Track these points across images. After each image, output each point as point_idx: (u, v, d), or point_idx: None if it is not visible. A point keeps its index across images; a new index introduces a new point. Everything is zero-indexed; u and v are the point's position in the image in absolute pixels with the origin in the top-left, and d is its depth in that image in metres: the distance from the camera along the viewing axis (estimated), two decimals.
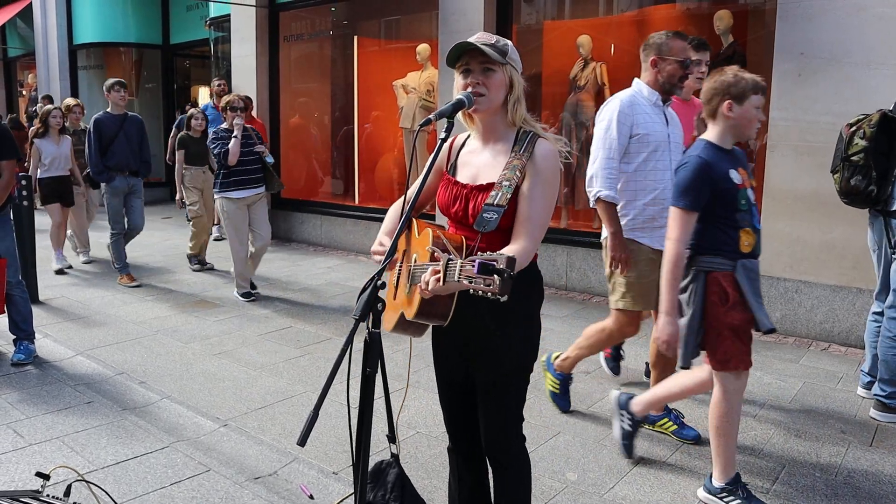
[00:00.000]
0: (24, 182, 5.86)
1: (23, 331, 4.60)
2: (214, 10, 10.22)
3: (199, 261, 7.48)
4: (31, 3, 13.86)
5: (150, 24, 13.07)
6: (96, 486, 2.64)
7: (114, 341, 5.02)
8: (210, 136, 6.27)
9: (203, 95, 12.84)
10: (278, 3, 9.37)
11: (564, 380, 3.90)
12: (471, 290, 1.72)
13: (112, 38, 13.08)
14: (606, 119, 3.46)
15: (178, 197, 7.51)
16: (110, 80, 6.83)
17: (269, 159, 6.37)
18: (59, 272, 7.21)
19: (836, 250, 4.99)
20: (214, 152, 6.05)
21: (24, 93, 16.12)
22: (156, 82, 13.46)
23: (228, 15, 9.68)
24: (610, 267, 3.50)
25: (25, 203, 5.92)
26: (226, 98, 6.29)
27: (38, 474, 2.50)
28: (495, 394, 2.17)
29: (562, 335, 5.22)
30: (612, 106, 3.47)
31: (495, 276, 1.68)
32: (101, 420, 3.72)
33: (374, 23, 9.20)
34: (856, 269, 4.87)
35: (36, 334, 4.73)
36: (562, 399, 3.90)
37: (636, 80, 3.60)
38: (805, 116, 5.07)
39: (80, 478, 2.69)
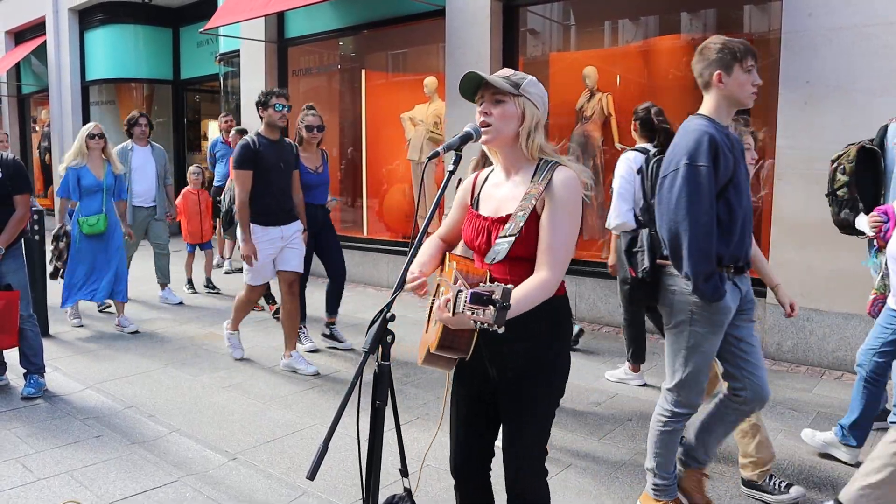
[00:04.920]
0: (36, 217, 5.91)
1: (33, 364, 4.61)
2: (224, 46, 10.38)
3: None
4: (45, 41, 14.12)
5: (161, 60, 13.28)
6: None
7: (123, 375, 5.02)
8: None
9: (213, 130, 12.98)
10: (287, 38, 9.51)
11: None
12: (472, 322, 1.73)
13: (124, 74, 13.29)
14: None
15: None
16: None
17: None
18: None
19: (846, 278, 4.96)
20: None
21: (37, 129, 16.33)
22: (166, 117, 13.63)
23: (238, 50, 9.83)
24: None
25: (37, 237, 5.97)
26: None
27: None
28: (520, 425, 2.16)
29: (573, 364, 5.17)
30: None
31: (490, 306, 1.69)
32: (110, 454, 3.70)
33: (382, 56, 9.32)
34: (866, 297, 4.82)
35: (46, 368, 4.73)
36: None
37: None
38: (813, 145, 5.08)
39: None
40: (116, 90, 13.66)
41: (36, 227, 5.95)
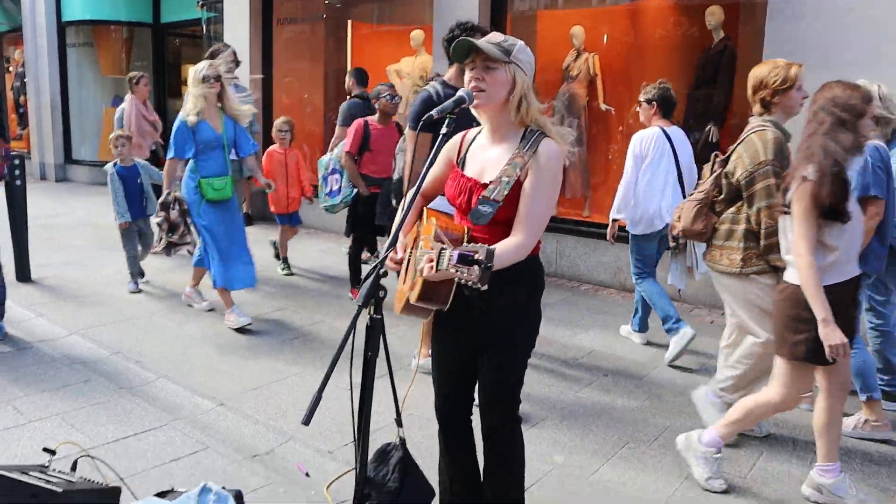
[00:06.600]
0: (16, 161, 5.84)
1: None
2: None
3: None
4: None
5: (141, 2, 12.96)
6: (101, 461, 2.72)
7: (109, 321, 5.06)
8: None
9: None
10: None
11: None
12: (457, 278, 1.85)
13: (102, 15, 12.92)
14: None
15: None
16: None
17: None
18: None
19: None
20: None
21: (10, 69, 15.91)
22: (146, 61, 13.32)
23: None
24: None
25: (18, 182, 5.91)
26: None
27: (45, 450, 2.58)
28: (495, 371, 2.29)
29: (551, 320, 5.31)
30: None
31: (475, 266, 1.80)
32: (99, 398, 3.78)
33: (369, 7, 9.20)
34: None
35: (30, 313, 4.75)
36: None
37: None
38: (797, 118, 5.15)
39: (85, 453, 2.77)
40: (94, 32, 13.31)
41: (17, 172, 5.89)
